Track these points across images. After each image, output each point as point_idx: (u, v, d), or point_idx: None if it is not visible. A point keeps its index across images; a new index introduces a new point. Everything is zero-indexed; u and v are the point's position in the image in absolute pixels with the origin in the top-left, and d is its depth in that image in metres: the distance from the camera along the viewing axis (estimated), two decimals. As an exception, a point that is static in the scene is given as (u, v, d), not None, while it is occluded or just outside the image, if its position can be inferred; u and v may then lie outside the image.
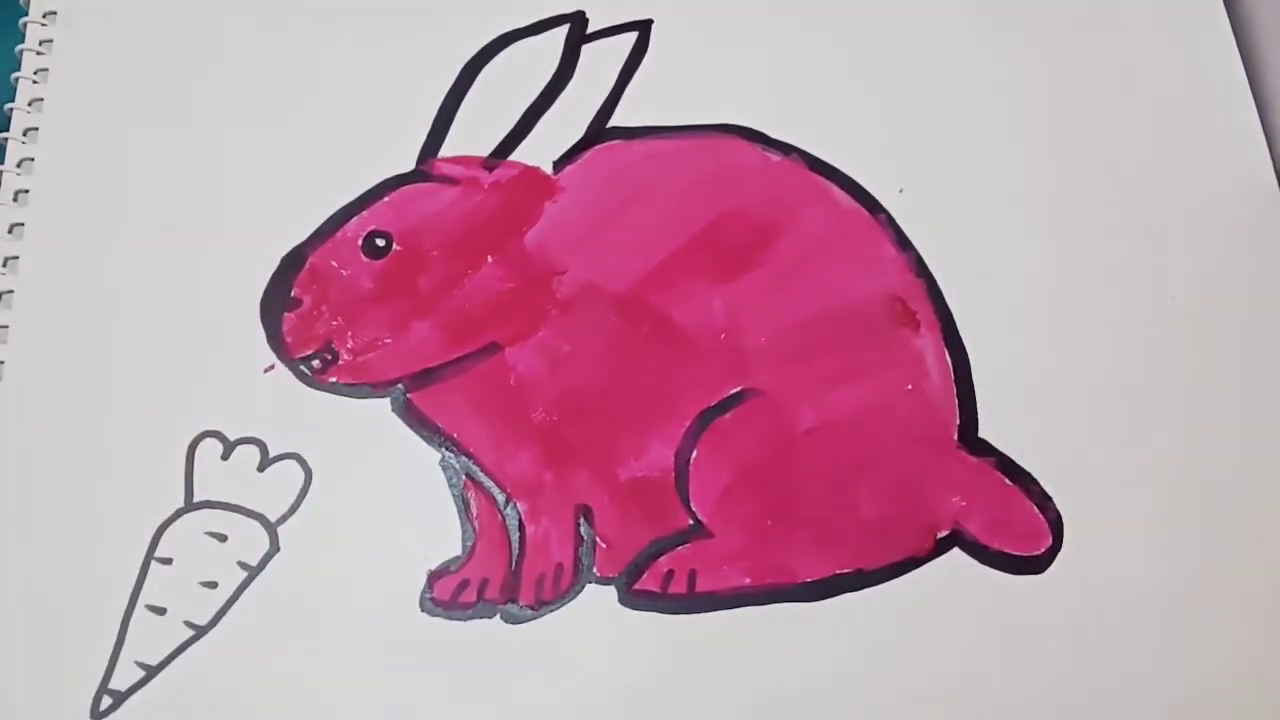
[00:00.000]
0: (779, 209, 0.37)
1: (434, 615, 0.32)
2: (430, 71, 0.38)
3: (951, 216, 0.37)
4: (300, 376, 0.35)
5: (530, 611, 0.32)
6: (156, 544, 0.33)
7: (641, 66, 0.40)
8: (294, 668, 0.32)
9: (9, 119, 0.38)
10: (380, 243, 0.36)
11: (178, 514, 0.33)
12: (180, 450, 0.34)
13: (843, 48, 0.41)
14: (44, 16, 0.40)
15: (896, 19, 0.41)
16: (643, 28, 0.40)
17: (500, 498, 0.34)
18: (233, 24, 0.40)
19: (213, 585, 0.32)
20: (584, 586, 0.33)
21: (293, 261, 0.36)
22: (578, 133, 0.38)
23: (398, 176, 0.37)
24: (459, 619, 0.32)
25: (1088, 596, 0.33)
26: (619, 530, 0.33)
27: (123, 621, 0.32)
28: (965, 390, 0.35)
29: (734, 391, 0.35)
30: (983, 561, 0.33)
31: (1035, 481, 0.34)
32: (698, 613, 0.33)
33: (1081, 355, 0.35)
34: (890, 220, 0.37)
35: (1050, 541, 0.34)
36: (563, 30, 0.40)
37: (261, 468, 0.34)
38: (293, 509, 0.33)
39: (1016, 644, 0.33)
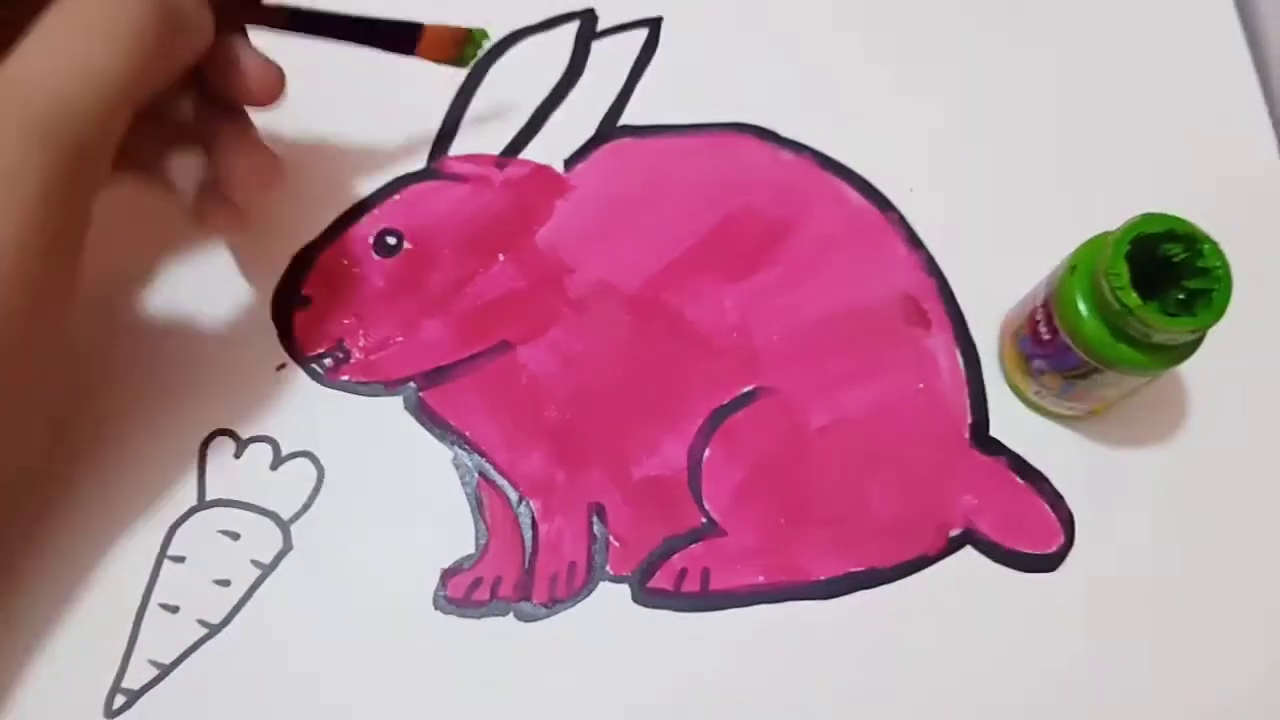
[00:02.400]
0: (790, 208, 0.37)
1: (447, 613, 0.32)
2: (440, 69, 0.38)
3: (962, 215, 0.37)
4: (312, 375, 0.35)
5: (544, 610, 0.32)
6: (169, 542, 0.33)
7: (652, 64, 0.40)
8: (307, 665, 0.32)
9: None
10: (391, 241, 0.36)
11: (190, 512, 0.33)
12: (192, 449, 0.34)
13: (854, 47, 0.41)
14: (52, 13, 0.40)
15: (907, 19, 0.41)
16: (653, 25, 0.40)
17: (513, 496, 0.34)
18: (242, 21, 0.39)
19: (226, 583, 0.32)
20: (597, 585, 0.33)
21: (304, 260, 0.36)
22: (589, 131, 0.38)
23: (409, 175, 0.37)
24: (472, 617, 0.32)
25: (1099, 595, 0.33)
26: (632, 528, 0.33)
27: (136, 620, 0.32)
28: (977, 390, 0.35)
29: (746, 390, 0.35)
30: (995, 560, 0.33)
31: (1047, 480, 0.34)
32: (711, 611, 0.33)
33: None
34: (901, 219, 0.37)
35: (1062, 540, 0.34)
36: (573, 27, 0.40)
37: (274, 466, 0.34)
38: (305, 507, 0.33)
39: (1028, 641, 0.33)
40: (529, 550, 0.33)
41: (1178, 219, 0.30)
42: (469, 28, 0.34)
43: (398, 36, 0.33)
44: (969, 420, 0.35)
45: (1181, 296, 0.30)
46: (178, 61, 0.28)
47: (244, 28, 0.31)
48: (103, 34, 0.26)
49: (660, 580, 0.33)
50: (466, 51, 0.34)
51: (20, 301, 0.26)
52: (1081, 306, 0.30)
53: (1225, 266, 0.29)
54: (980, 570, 0.33)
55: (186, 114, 0.32)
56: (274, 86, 0.31)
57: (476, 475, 0.34)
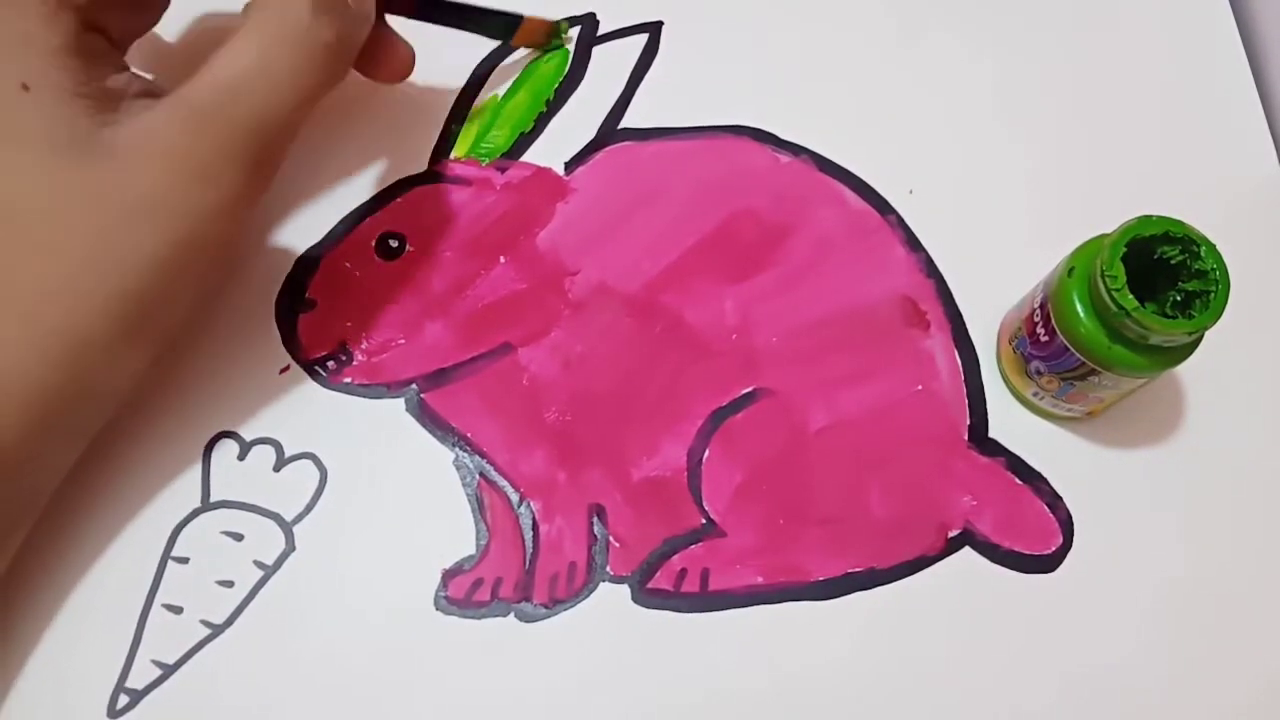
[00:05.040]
0: (790, 210, 0.37)
1: (448, 614, 0.33)
2: (443, 72, 0.39)
3: (961, 217, 0.38)
4: (315, 377, 0.35)
5: (544, 610, 0.33)
6: (173, 543, 0.33)
7: (652, 68, 0.40)
8: (309, 666, 0.32)
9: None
10: (393, 244, 0.36)
11: (194, 514, 0.33)
12: (197, 451, 0.34)
13: (853, 49, 0.41)
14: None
15: (906, 21, 0.41)
16: (653, 29, 0.41)
17: (514, 497, 0.34)
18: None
19: (229, 584, 0.33)
20: (597, 585, 0.33)
21: (307, 263, 0.36)
22: (589, 134, 0.38)
23: (411, 177, 0.38)
24: (473, 618, 0.33)
25: (1098, 596, 0.33)
26: (632, 529, 0.34)
27: (140, 620, 0.32)
28: (975, 391, 0.36)
29: (746, 391, 0.35)
30: (994, 560, 0.34)
31: (1045, 481, 0.34)
32: (710, 611, 0.33)
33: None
34: (900, 221, 0.38)
35: (1060, 541, 0.34)
36: (574, 32, 0.40)
37: (277, 468, 0.34)
38: (308, 508, 0.34)
39: (1027, 642, 0.33)
40: (530, 551, 0.33)
41: (1174, 221, 0.30)
42: (558, 21, 0.40)
43: (501, 25, 0.38)
44: (967, 421, 0.35)
45: (1178, 298, 0.31)
46: (342, 77, 0.31)
47: (384, 14, 0.34)
48: (292, 52, 0.29)
49: (660, 581, 0.33)
50: (554, 41, 0.40)
51: (194, 277, 0.30)
52: (1079, 308, 0.30)
53: (1222, 268, 0.29)
54: (979, 571, 0.33)
55: None
56: (410, 65, 0.36)
57: (477, 476, 0.34)
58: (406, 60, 0.35)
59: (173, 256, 0.29)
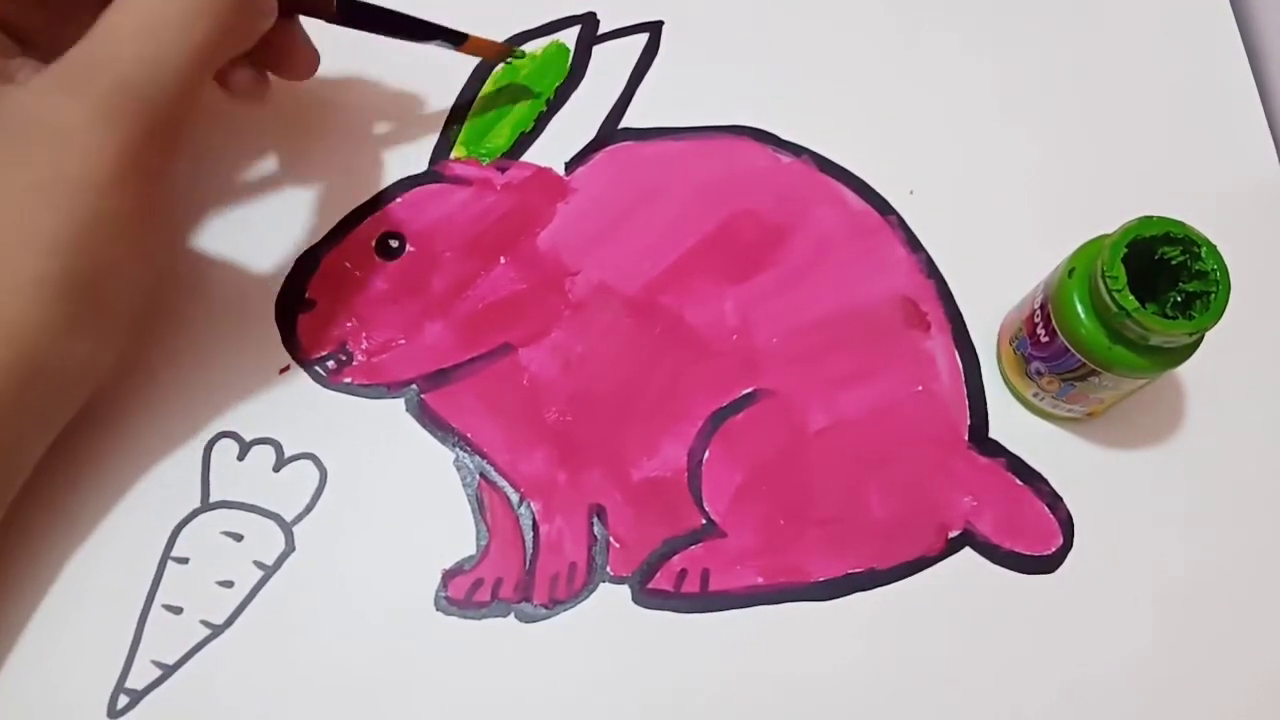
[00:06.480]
0: (790, 210, 0.37)
1: (449, 614, 0.33)
2: (443, 72, 0.39)
3: (961, 218, 0.38)
4: (315, 377, 0.35)
5: (544, 610, 0.33)
6: (173, 544, 0.33)
7: (652, 68, 0.40)
8: (309, 667, 0.32)
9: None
10: (394, 244, 0.36)
11: (194, 514, 0.33)
12: (196, 451, 0.34)
13: (853, 49, 0.41)
14: (57, 18, 0.40)
15: (907, 21, 0.41)
16: (654, 29, 0.40)
17: (514, 497, 0.34)
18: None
19: (229, 585, 0.33)
20: (597, 586, 0.33)
21: (307, 263, 0.36)
22: (590, 134, 0.38)
23: (411, 177, 0.37)
24: (473, 618, 0.33)
25: (1098, 596, 0.33)
26: (632, 529, 0.34)
27: (139, 621, 0.32)
28: (975, 391, 0.36)
29: (746, 392, 0.35)
30: (994, 561, 0.34)
31: (1045, 482, 0.34)
32: (710, 612, 0.33)
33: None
34: (900, 222, 0.38)
35: (1061, 541, 0.34)
36: (574, 31, 0.40)
37: (277, 468, 0.34)
38: (308, 509, 0.33)
39: (1027, 643, 0.33)
40: (530, 551, 0.33)
41: (1175, 221, 0.30)
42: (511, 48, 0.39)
43: (444, 36, 0.36)
44: (968, 422, 0.35)
45: (1179, 299, 0.31)
46: (247, 40, 0.30)
47: (298, 15, 0.33)
48: (179, 15, 0.27)
49: (660, 581, 0.33)
50: (512, 55, 0.39)
51: (113, 252, 0.28)
52: (1079, 309, 0.30)
53: (1222, 269, 0.29)
54: (979, 571, 0.33)
55: None
56: (314, 67, 0.34)
57: (478, 476, 0.34)
58: (311, 62, 0.34)
59: (84, 236, 0.27)
